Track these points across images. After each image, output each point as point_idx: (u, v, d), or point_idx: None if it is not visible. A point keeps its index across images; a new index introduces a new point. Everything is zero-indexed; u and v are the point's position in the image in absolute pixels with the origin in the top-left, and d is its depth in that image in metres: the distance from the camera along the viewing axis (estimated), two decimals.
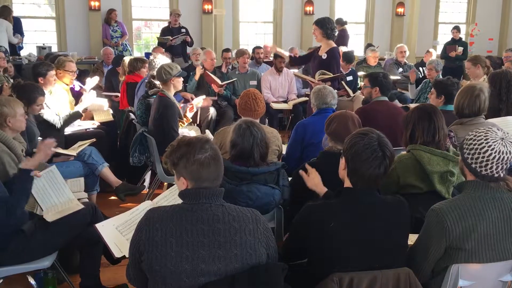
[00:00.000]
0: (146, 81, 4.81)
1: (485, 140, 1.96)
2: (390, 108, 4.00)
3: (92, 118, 5.19)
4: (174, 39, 8.48)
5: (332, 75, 4.89)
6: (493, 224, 1.97)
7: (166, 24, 9.24)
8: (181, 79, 4.34)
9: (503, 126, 3.22)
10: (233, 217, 1.76)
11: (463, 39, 10.21)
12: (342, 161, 2.05)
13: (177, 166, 1.80)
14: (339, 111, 2.99)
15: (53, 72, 4.61)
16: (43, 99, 3.93)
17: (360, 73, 7.32)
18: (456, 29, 9.45)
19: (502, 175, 1.99)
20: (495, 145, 1.93)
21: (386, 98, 4.08)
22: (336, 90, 5.34)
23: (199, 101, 5.01)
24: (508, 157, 1.94)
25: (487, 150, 1.94)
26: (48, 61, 5.56)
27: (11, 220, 2.53)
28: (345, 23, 9.31)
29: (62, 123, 4.45)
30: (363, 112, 3.84)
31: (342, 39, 8.78)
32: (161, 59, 5.03)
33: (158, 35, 8.98)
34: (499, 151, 1.92)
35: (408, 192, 2.64)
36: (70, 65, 4.98)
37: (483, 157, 1.95)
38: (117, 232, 2.47)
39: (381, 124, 3.24)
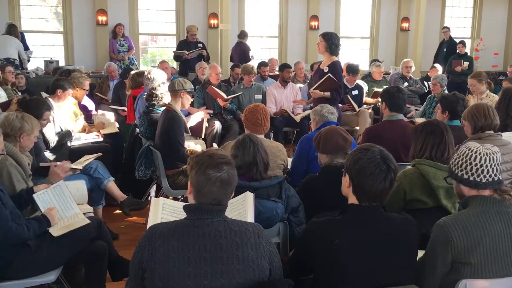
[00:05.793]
0: (144, 96, 4.82)
1: (469, 150, 2.06)
2: (399, 128, 3.68)
3: (98, 130, 5.23)
4: (190, 54, 8.52)
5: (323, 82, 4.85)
6: (499, 237, 1.96)
7: (173, 38, 9.25)
8: (190, 97, 4.35)
9: None
10: (235, 232, 1.76)
11: (469, 54, 10.21)
12: (346, 179, 2.03)
13: (191, 170, 1.81)
14: (322, 130, 3.00)
15: (71, 91, 4.83)
16: (50, 113, 3.96)
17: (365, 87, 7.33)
18: (462, 43, 9.47)
19: (500, 178, 2.02)
20: (479, 149, 2.03)
21: (399, 117, 3.79)
22: (340, 104, 5.35)
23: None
24: (497, 156, 2.02)
25: (476, 156, 2.02)
26: (59, 75, 5.74)
27: (9, 241, 2.52)
28: (246, 35, 9.37)
29: (55, 143, 4.40)
30: (370, 132, 3.83)
31: (243, 53, 8.86)
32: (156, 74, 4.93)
33: (175, 49, 9.04)
34: (486, 153, 2.01)
35: (415, 207, 2.63)
36: (86, 84, 5.36)
37: (475, 164, 2.01)
38: (161, 208, 2.47)
39: (387, 143, 3.11)
